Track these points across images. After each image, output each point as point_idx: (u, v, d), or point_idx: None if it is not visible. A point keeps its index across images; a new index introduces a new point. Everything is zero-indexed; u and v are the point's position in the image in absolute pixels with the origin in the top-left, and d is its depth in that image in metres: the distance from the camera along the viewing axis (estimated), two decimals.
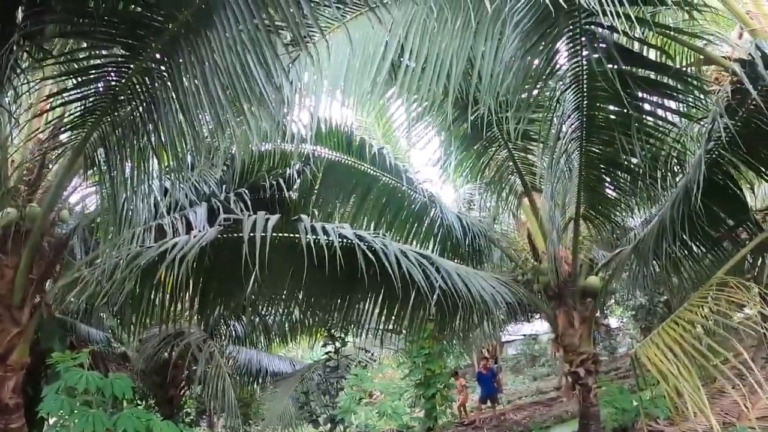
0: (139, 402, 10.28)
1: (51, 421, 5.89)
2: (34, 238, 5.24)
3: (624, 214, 8.90)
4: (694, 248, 7.01)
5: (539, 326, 20.87)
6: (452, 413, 15.95)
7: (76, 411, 5.03)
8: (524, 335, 22.10)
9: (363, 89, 5.69)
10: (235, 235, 5.61)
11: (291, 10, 3.84)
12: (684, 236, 6.53)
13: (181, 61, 4.13)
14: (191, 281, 5.99)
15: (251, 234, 5.12)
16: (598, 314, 9.65)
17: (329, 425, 9.56)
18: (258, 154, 6.96)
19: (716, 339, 5.13)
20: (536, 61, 5.99)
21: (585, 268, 8.44)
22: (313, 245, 5.30)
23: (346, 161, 7.71)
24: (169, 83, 4.34)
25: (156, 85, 4.39)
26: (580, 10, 5.19)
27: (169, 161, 5.09)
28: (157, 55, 4.20)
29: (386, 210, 8.09)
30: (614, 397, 10.53)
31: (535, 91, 6.56)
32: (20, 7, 3.84)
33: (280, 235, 5.57)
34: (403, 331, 8.19)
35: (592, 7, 3.69)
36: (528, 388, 20.66)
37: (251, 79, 4.14)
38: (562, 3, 3.32)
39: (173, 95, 4.34)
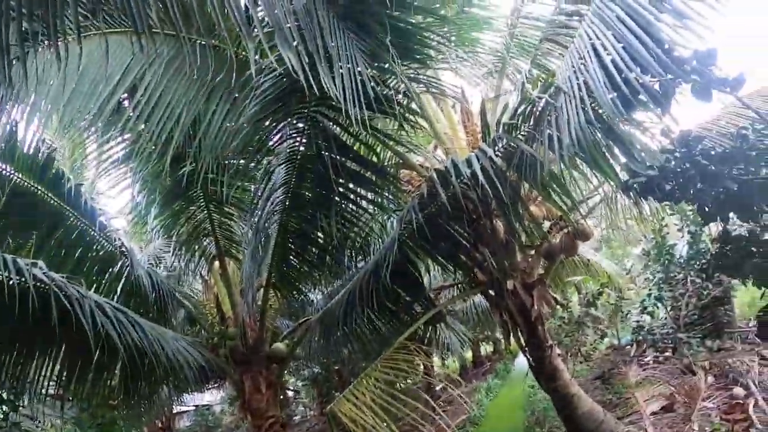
0: None
1: None
2: None
3: (310, 286, 9.45)
4: (376, 319, 7.69)
5: (211, 396, 20.38)
6: None
7: None
8: (196, 406, 21.21)
9: (82, 115, 5.16)
10: None
11: None
12: (369, 308, 7.17)
13: None
14: None
15: None
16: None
17: None
18: None
19: (401, 390, 6.05)
20: (263, 133, 6.21)
21: (270, 335, 8.65)
22: None
23: (37, 190, 6.73)
24: None
25: None
26: (312, 98, 5.59)
27: None
28: None
29: (73, 253, 7.23)
30: None
31: (252, 163, 6.78)
32: None
33: None
34: (76, 398, 7.27)
35: (335, 96, 3.97)
36: None
37: None
38: (303, 84, 3.53)
39: None
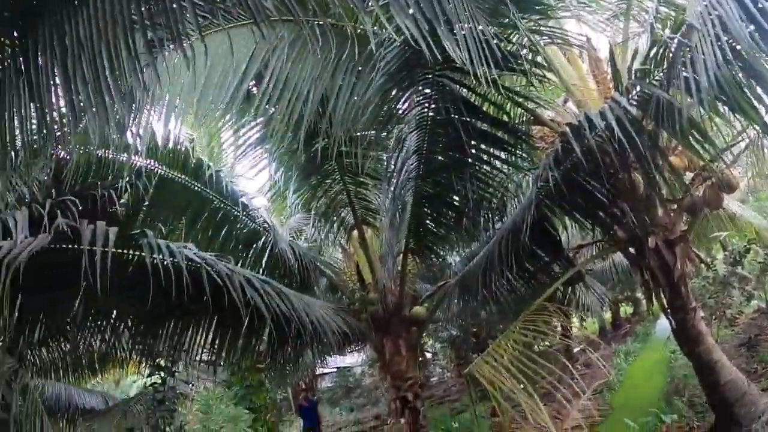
0: None
1: None
2: None
3: (447, 249, 9.54)
4: (514, 280, 7.62)
5: (351, 359, 21.29)
6: None
7: None
8: (337, 368, 22.30)
9: (215, 107, 5.49)
10: (64, 246, 5.04)
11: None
12: (507, 270, 7.11)
13: (39, 35, 3.63)
14: (7, 297, 5.24)
15: (87, 246, 4.62)
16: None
17: None
18: (89, 160, 6.36)
19: (538, 352, 5.99)
20: (390, 103, 6.28)
21: (410, 299, 8.83)
22: (149, 265, 4.91)
23: (180, 180, 7.32)
24: (19, 58, 3.79)
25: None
26: (436, 63, 5.55)
27: None
28: (12, 26, 3.64)
29: (218, 233, 7.79)
30: (439, 420, 11.06)
31: (383, 133, 6.90)
32: None
33: (115, 251, 5.08)
34: (226, 363, 7.88)
35: (459, 59, 3.90)
36: (347, 419, 20.87)
37: (111, 73, 3.76)
38: (425, 51, 3.49)
39: (20, 73, 3.80)
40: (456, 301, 8.78)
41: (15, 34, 3.64)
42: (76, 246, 4.80)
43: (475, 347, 14.35)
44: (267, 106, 5.65)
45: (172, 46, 3.94)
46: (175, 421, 9.20)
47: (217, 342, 6.50)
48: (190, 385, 10.93)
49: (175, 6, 3.21)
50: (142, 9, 3.33)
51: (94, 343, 6.51)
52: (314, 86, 5.30)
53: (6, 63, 3.72)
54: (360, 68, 5.43)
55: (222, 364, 8.29)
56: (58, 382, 10.66)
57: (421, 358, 16.09)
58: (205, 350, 6.57)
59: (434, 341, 20.62)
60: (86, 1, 3.36)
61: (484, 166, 7.36)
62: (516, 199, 8.49)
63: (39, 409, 6.20)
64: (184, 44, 3.41)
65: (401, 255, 8.49)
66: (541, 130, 7.70)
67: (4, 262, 4.41)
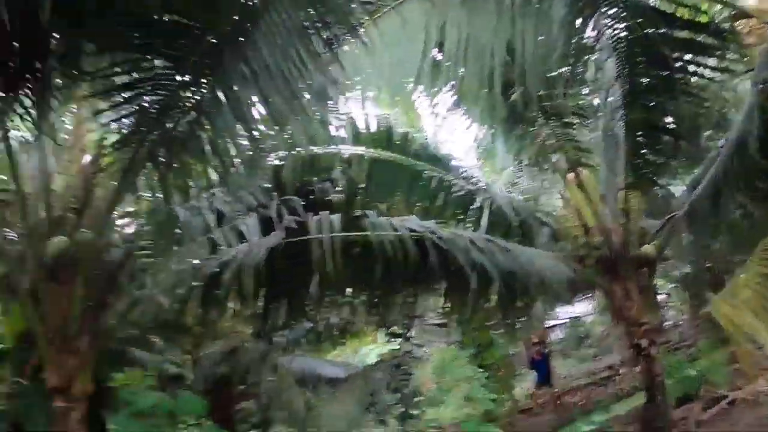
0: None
1: None
2: (86, 265, 5.09)
3: (669, 178, 8.84)
4: (746, 203, 6.86)
5: (581, 308, 20.70)
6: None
7: None
8: (567, 318, 21.88)
9: (402, 81, 5.65)
10: (295, 239, 5.57)
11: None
12: (737, 191, 6.42)
13: (227, 67, 4.05)
14: (252, 290, 5.94)
15: (315, 235, 5.08)
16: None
17: (400, 423, 9.53)
18: (302, 159, 6.93)
19: None
20: (577, 33, 5.97)
21: (636, 238, 8.33)
22: (375, 242, 5.27)
23: (388, 158, 7.67)
24: (216, 89, 4.27)
25: (203, 92, 4.34)
26: None
27: (218, 173, 5.03)
28: (201, 62, 4.10)
29: (434, 201, 8.04)
30: (674, 368, 10.43)
31: (578, 68, 6.58)
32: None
33: (342, 235, 5.51)
34: (457, 324, 8.13)
35: None
36: (579, 371, 20.35)
37: (300, 79, 4.05)
38: None
39: (221, 103, 4.28)
40: (685, 234, 8.10)
41: (207, 71, 4.11)
42: (305, 237, 5.29)
43: (711, 284, 13.20)
44: (456, 68, 5.68)
45: (348, 38, 4.16)
46: (411, 383, 9.79)
47: (447, 305, 6.74)
48: (424, 348, 11.48)
49: (340, 1, 3.39)
50: (311, 13, 3.58)
51: (332, 319, 7.21)
52: (496, 37, 5.20)
53: (207, 95, 4.23)
54: (537, 6, 5.21)
55: (453, 325, 8.60)
56: (303, 357, 11.83)
57: (653, 301, 15.10)
58: (436, 314, 6.89)
59: (666, 282, 19.25)
60: (258, 24, 3.70)
61: (693, 78, 6.67)
62: (736, 109, 7.58)
63: (288, 381, 7.04)
64: (360, 32, 3.62)
65: (621, 192, 8.02)
66: (748, 24, 6.78)
67: (244, 263, 5.03)
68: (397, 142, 7.63)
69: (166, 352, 10.08)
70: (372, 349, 17.79)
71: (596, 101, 7.29)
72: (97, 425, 5.43)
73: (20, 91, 4.22)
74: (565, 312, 19.42)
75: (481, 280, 5.88)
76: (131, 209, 6.43)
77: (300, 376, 11.77)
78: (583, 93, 7.97)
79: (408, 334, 8.90)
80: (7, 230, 5.90)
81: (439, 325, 7.52)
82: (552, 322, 21.24)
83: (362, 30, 4.29)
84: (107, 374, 6.59)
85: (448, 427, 13.01)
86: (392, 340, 8.93)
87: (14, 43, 3.26)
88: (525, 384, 17.54)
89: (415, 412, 10.47)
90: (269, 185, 7.05)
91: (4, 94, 4.14)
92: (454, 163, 8.19)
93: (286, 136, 5.13)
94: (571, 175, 8.55)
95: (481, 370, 11.72)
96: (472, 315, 7.10)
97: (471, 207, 8.33)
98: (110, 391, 6.43)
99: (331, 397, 12.11)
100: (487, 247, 5.74)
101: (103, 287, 5.51)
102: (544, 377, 16.11)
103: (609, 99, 6.99)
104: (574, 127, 8.49)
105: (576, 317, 21.99)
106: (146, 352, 9.65)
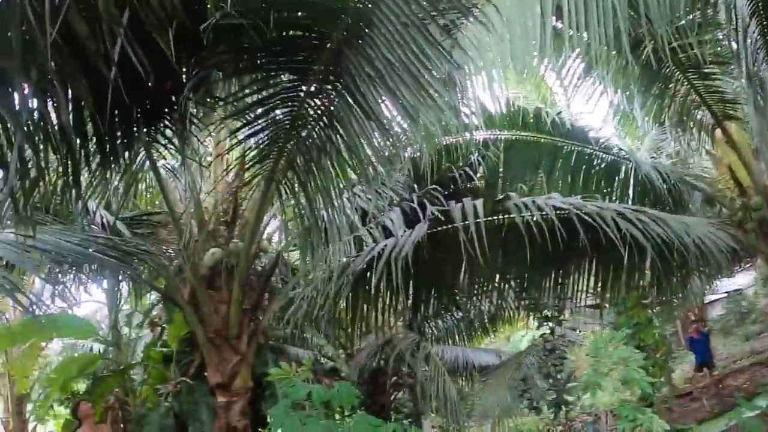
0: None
1: None
2: (240, 272, 5.48)
3: None
4: None
5: (742, 280, 19.02)
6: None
7: (306, 423, 5.08)
8: (727, 292, 20.02)
9: (527, 57, 5.42)
10: (441, 228, 5.57)
11: None
12: None
13: (349, 68, 4.11)
14: (402, 283, 6.02)
15: (460, 223, 5.05)
16: None
17: (554, 409, 9.34)
18: (438, 149, 6.94)
19: None
20: None
21: None
22: (521, 224, 5.14)
23: (524, 137, 7.55)
24: (344, 93, 4.36)
25: (331, 98, 4.46)
26: None
27: (357, 172, 5.11)
28: (324, 70, 4.23)
29: (576, 176, 7.78)
30: None
31: (708, 8, 6.03)
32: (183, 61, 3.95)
33: (485, 220, 5.45)
34: (611, 304, 7.77)
35: None
36: (742, 350, 18.26)
37: (424, 69, 4.01)
38: None
39: (350, 104, 4.35)
40: None
41: (332, 77, 4.19)
42: (450, 226, 5.27)
43: None
44: (578, 34, 5.40)
45: (464, 21, 4.08)
46: (565, 367, 9.47)
47: (599, 284, 6.47)
48: (578, 331, 11.10)
49: None
50: (423, 4, 3.57)
51: (482, 307, 7.13)
52: None
53: (335, 100, 4.31)
54: None
55: (607, 306, 8.25)
56: (455, 346, 11.84)
57: None
58: (588, 295, 6.61)
59: None
60: (371, 23, 3.72)
61: None
62: None
63: (441, 371, 7.08)
64: (475, 13, 3.55)
65: None
66: None
67: (392, 256, 5.09)
68: (531, 120, 7.44)
69: (321, 347, 10.53)
70: (524, 335, 17.54)
71: (734, 45, 6.60)
72: (256, 416, 5.72)
73: (161, 125, 4.63)
74: (724, 285, 17.80)
75: (633, 254, 5.60)
76: (278, 216, 6.75)
77: (452, 365, 11.86)
78: (719, 39, 7.27)
79: (560, 318, 8.63)
80: (165, 247, 6.46)
81: (592, 306, 7.20)
82: (712, 297, 19.61)
83: (477, 11, 4.21)
84: (265, 370, 7.03)
85: (604, 413, 12.52)
86: (544, 324, 8.69)
87: (149, 83, 3.49)
88: (683, 366, 16.47)
89: (569, 398, 10.18)
90: (409, 178, 7.14)
91: (146, 129, 4.47)
92: (592, 134, 7.83)
93: (419, 129, 5.11)
94: (718, 131, 7.94)
95: (638, 351, 11.18)
96: (626, 293, 6.75)
97: (615, 178, 7.97)
98: (268, 385, 6.80)
99: (483, 384, 12.08)
100: (638, 219, 5.44)
101: (257, 290, 5.88)
102: (704, 358, 14.71)
103: (747, 41, 6.35)
104: (715, 77, 7.76)
105: (737, 290, 20.10)
106: (301, 348, 10.14)
